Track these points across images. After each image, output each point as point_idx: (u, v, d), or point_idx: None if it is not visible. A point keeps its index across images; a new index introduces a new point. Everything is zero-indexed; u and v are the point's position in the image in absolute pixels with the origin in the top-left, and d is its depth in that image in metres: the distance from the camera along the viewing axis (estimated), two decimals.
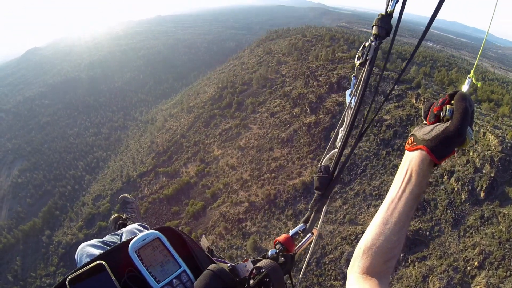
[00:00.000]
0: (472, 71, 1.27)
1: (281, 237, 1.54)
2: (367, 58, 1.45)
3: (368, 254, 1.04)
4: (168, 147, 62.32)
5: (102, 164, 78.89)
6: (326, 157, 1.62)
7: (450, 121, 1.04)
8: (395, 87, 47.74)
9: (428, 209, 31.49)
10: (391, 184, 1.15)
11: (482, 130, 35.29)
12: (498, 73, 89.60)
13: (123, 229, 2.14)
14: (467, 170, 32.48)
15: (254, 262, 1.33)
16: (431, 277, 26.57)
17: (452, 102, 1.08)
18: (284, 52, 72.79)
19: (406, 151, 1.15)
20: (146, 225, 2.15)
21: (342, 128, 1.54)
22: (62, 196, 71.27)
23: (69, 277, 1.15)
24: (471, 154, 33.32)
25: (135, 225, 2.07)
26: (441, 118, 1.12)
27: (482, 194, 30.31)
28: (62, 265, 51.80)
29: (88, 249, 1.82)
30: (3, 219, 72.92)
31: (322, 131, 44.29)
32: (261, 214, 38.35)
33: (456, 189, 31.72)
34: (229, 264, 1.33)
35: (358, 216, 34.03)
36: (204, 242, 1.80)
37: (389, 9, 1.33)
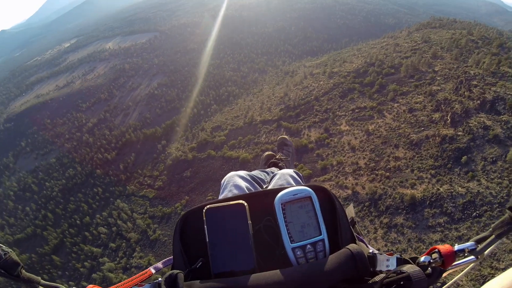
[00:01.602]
0: None
1: (443, 247, 1.26)
2: None
3: None
4: (299, 104, 62.48)
5: (231, 99, 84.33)
6: None
7: None
8: None
9: None
10: None
11: None
12: None
13: (277, 171, 2.22)
14: None
15: (399, 260, 1.18)
16: None
17: None
18: (443, 45, 64.34)
19: None
20: (300, 174, 2.09)
21: None
22: (187, 116, 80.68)
23: (208, 206, 1.19)
24: None
25: (291, 171, 2.02)
26: None
27: None
28: (165, 174, 59.65)
29: (236, 179, 1.93)
30: (133, 119, 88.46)
31: (455, 151, 37.88)
32: (358, 208, 36.50)
33: None
34: (371, 251, 1.22)
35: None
36: (350, 211, 1.61)
37: None
